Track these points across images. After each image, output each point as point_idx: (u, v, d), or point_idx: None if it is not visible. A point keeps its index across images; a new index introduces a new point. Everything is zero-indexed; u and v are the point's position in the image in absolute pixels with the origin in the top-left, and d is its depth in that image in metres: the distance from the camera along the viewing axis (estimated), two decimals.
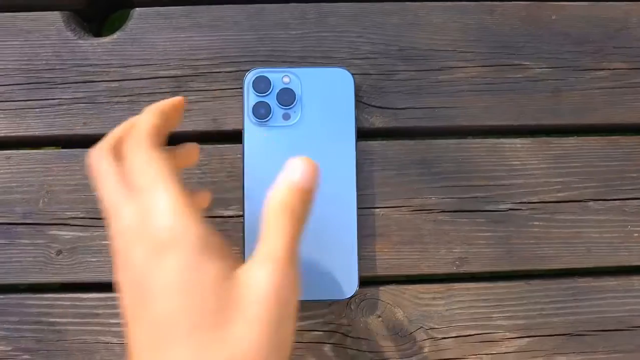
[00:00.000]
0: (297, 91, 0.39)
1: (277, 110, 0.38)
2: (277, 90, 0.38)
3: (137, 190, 0.26)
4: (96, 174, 0.28)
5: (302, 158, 0.27)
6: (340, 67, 0.39)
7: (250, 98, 0.38)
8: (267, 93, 0.38)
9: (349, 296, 0.38)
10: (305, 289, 0.34)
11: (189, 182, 0.40)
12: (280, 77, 0.39)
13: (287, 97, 0.38)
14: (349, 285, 0.38)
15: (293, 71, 0.39)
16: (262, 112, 0.38)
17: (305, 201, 0.26)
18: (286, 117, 0.38)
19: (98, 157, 0.28)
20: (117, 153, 0.28)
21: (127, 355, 0.28)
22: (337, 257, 0.38)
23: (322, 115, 0.39)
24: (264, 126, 0.38)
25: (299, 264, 0.26)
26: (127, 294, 0.26)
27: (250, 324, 0.24)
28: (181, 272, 0.24)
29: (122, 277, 0.26)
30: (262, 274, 0.25)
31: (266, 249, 0.26)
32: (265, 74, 0.39)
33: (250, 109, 0.38)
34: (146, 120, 0.28)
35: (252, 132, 0.38)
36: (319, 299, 0.38)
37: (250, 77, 0.39)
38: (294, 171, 0.26)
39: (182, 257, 0.24)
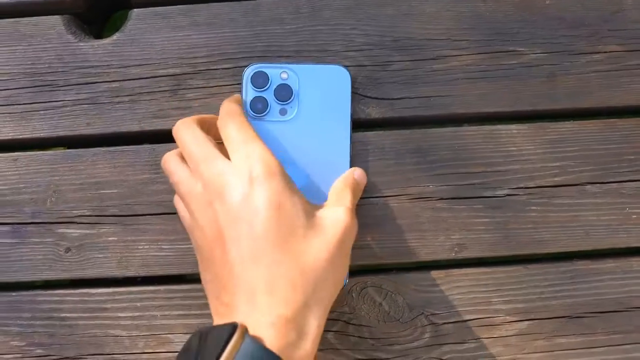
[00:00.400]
0: (295, 87, 0.39)
1: (274, 106, 0.39)
2: (274, 86, 0.39)
3: (233, 145, 0.34)
4: (182, 138, 0.35)
5: (360, 168, 0.39)
6: (337, 64, 0.40)
7: (248, 93, 0.39)
8: (264, 88, 0.39)
9: None
10: None
11: None
12: (278, 73, 0.39)
13: (285, 93, 0.39)
14: None
15: (291, 67, 0.39)
16: (259, 107, 0.39)
17: (358, 187, 0.38)
18: (283, 112, 0.39)
19: (185, 126, 0.35)
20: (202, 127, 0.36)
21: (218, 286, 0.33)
22: None
23: (319, 111, 0.39)
24: (261, 121, 0.39)
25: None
26: (225, 225, 0.32)
27: (326, 242, 0.32)
28: (279, 194, 0.32)
29: (221, 213, 0.32)
30: (340, 212, 0.34)
31: (340, 202, 0.35)
32: (263, 70, 0.39)
33: (248, 104, 0.39)
34: (233, 102, 0.37)
35: (252, 125, 0.38)
36: None
37: (248, 72, 0.39)
38: (354, 170, 0.39)
39: (279, 184, 0.32)
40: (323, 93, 0.39)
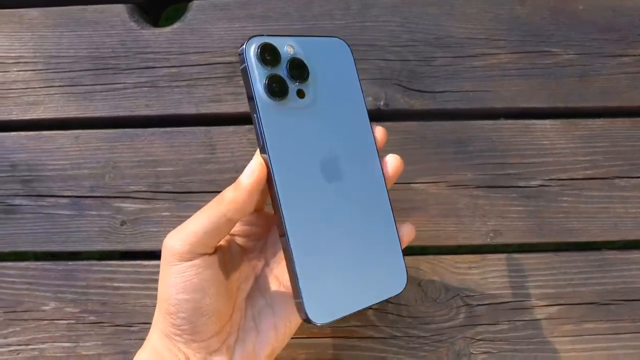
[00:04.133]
0: (307, 63, 0.32)
1: (291, 87, 0.31)
2: (285, 62, 0.31)
3: None
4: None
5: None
6: (334, 37, 0.34)
7: (259, 72, 0.30)
8: (277, 65, 0.31)
9: (397, 292, 0.35)
10: (352, 296, 0.32)
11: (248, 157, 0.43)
12: (283, 46, 0.31)
13: (299, 70, 0.31)
14: (397, 280, 0.35)
15: (293, 40, 0.32)
16: (277, 90, 0.30)
17: None
18: (300, 94, 0.31)
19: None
20: None
21: None
22: (377, 251, 0.34)
23: (333, 91, 0.32)
24: (282, 107, 0.31)
25: None
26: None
27: None
28: None
29: None
30: None
31: None
32: (270, 42, 0.31)
33: (263, 86, 0.30)
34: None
35: (269, 115, 0.30)
36: (369, 305, 0.33)
37: (254, 46, 0.30)
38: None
39: None
40: (330, 70, 0.33)
